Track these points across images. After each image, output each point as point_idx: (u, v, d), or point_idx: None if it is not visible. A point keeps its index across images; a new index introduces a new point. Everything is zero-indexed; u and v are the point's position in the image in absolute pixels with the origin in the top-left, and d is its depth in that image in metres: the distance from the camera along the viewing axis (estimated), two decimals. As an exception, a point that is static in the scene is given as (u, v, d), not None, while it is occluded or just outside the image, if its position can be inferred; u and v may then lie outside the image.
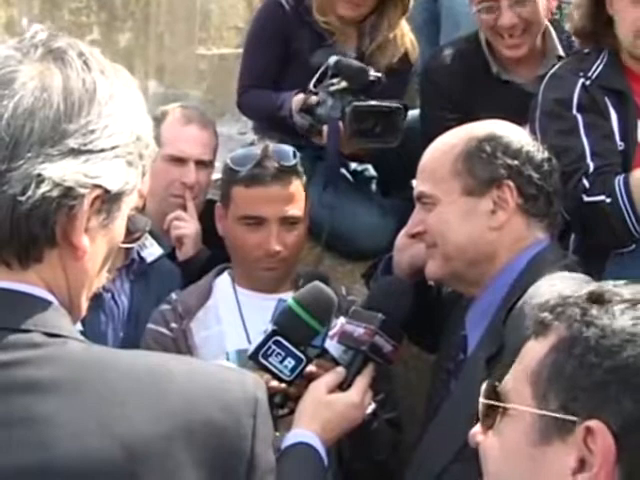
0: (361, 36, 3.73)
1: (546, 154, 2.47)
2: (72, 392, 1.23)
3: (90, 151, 1.28)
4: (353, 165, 3.84)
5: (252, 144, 3.07)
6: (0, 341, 1.24)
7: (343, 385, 2.31)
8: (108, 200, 1.30)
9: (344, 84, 3.39)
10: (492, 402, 1.37)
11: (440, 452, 2.30)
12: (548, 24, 3.57)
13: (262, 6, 3.94)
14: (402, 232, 2.67)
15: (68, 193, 1.26)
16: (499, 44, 3.52)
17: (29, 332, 1.25)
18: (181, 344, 2.88)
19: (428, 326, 2.69)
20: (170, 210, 3.44)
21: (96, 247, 1.32)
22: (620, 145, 2.98)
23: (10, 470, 1.19)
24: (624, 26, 3.00)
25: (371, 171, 3.89)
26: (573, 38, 3.48)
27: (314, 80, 3.44)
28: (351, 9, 3.67)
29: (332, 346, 2.36)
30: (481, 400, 1.39)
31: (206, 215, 3.31)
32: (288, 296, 2.55)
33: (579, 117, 2.99)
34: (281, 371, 2.30)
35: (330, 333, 2.37)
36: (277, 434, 2.08)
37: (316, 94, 3.43)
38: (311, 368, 2.34)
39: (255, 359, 2.31)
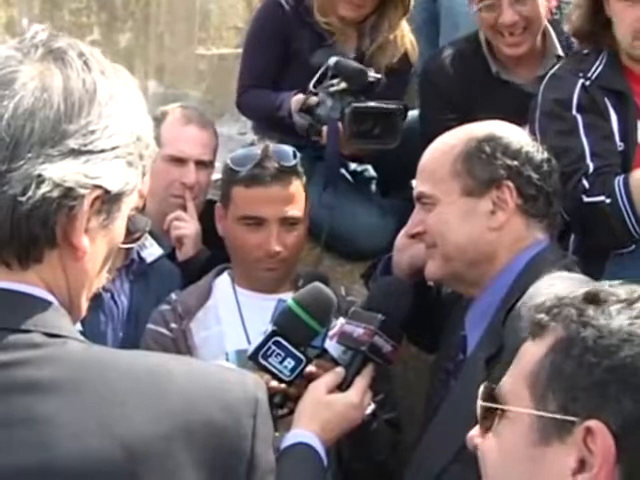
0: (361, 36, 3.73)
1: (546, 155, 2.46)
2: (72, 392, 1.23)
3: (90, 151, 1.28)
4: (353, 165, 3.84)
5: (252, 144, 3.06)
6: (0, 341, 1.24)
7: (342, 385, 2.31)
8: (108, 200, 1.30)
9: (344, 85, 3.38)
10: (490, 404, 1.37)
11: (439, 452, 2.29)
12: (547, 24, 3.57)
13: (262, 6, 3.94)
14: (402, 232, 2.67)
15: (68, 194, 1.26)
16: (499, 43, 3.51)
17: (29, 332, 1.25)
18: (181, 344, 2.87)
19: (427, 326, 2.69)
20: (170, 210, 3.44)
21: (96, 247, 1.32)
22: (620, 146, 2.98)
23: (11, 470, 1.20)
24: (622, 27, 3.00)
25: (371, 171, 3.89)
26: (572, 39, 3.48)
27: (314, 81, 3.43)
28: (352, 10, 3.66)
29: (332, 346, 2.36)
30: (479, 402, 1.39)
31: (206, 215, 3.31)
32: (288, 296, 2.55)
33: (579, 117, 2.99)
34: (281, 371, 2.30)
35: (330, 333, 2.37)
36: (277, 434, 2.08)
37: (316, 94, 3.43)
38: (311, 368, 2.34)
39: (255, 359, 2.31)
